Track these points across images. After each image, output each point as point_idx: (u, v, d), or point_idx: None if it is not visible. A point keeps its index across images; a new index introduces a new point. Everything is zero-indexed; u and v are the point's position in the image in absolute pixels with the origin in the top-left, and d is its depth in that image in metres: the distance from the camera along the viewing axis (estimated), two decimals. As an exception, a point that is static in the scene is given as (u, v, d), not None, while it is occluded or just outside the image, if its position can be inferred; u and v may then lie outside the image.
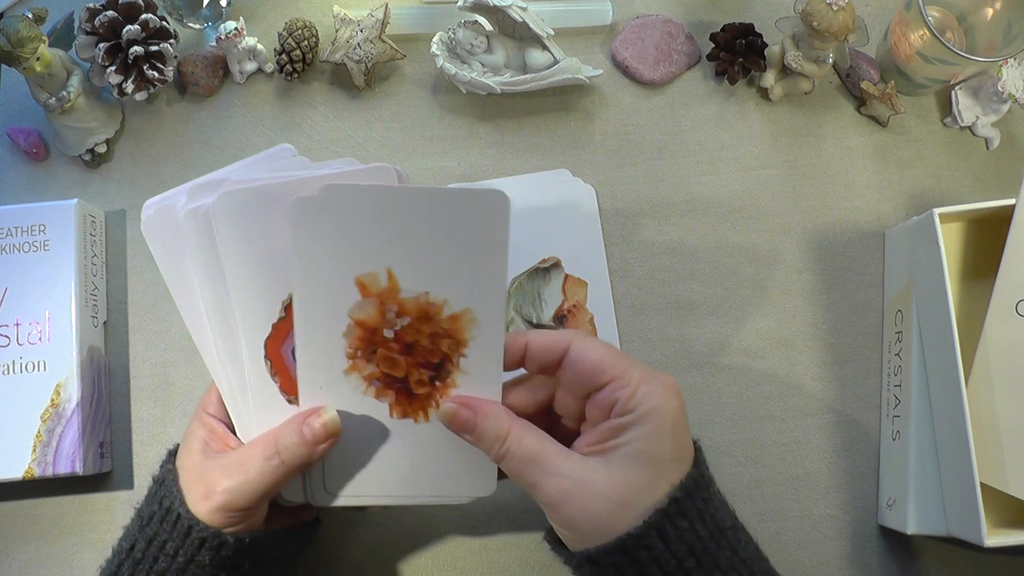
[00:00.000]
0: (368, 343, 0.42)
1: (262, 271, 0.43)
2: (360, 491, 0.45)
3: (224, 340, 0.44)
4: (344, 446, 0.44)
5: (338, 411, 0.43)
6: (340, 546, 0.55)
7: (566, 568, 0.55)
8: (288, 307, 0.43)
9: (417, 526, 0.56)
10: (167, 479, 0.44)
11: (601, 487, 0.38)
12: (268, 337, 0.44)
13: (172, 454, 0.46)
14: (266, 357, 0.44)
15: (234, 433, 0.45)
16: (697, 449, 0.41)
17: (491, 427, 0.40)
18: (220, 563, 0.42)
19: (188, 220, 0.43)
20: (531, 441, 0.40)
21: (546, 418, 0.44)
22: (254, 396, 0.44)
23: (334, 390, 0.43)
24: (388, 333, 0.42)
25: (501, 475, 0.44)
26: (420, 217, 0.40)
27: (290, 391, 0.44)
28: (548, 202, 0.59)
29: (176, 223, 0.44)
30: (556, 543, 0.42)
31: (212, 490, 0.41)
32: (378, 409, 0.43)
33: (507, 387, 0.44)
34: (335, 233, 0.41)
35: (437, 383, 0.43)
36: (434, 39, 0.60)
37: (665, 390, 0.39)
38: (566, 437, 0.41)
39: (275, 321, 0.44)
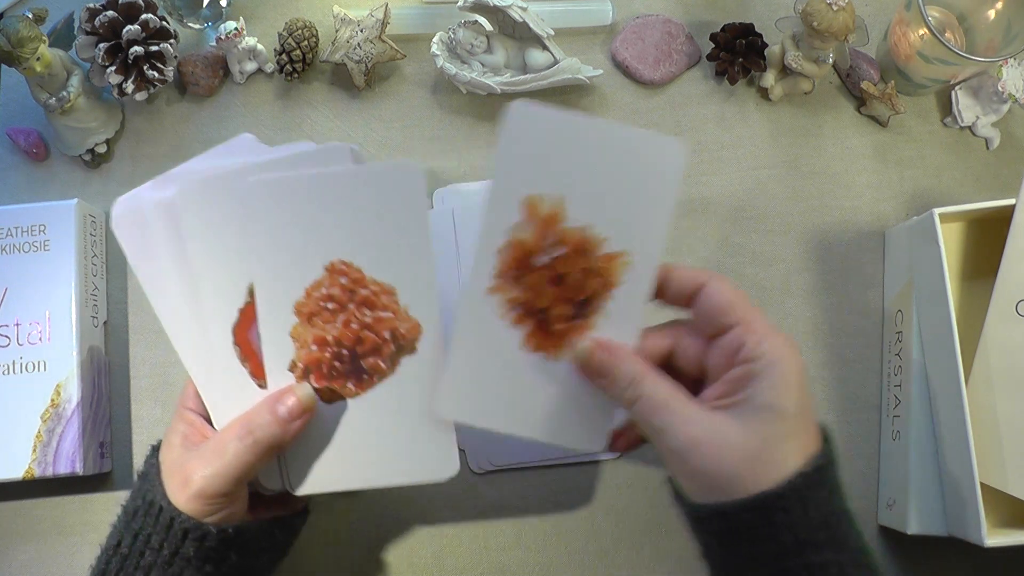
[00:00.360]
0: (519, 266, 0.41)
1: (226, 258, 0.43)
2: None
3: (196, 331, 0.45)
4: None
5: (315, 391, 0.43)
6: (339, 546, 0.55)
7: (566, 568, 0.55)
8: (253, 291, 0.44)
9: (417, 526, 0.56)
10: (150, 473, 0.45)
11: (734, 438, 0.37)
12: (236, 323, 0.44)
13: (156, 449, 0.46)
14: (235, 343, 0.44)
15: (212, 425, 0.46)
16: (824, 427, 0.40)
17: (626, 370, 0.40)
18: (205, 555, 0.43)
19: (154, 213, 0.44)
20: (665, 386, 0.39)
21: (671, 372, 0.43)
22: (225, 384, 0.45)
23: (472, 309, 0.42)
24: (542, 259, 0.41)
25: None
26: (599, 151, 0.40)
27: (260, 376, 0.44)
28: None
29: (144, 218, 0.44)
30: (678, 495, 0.41)
31: (189, 478, 0.42)
32: (511, 337, 0.42)
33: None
34: (511, 153, 0.40)
35: (577, 321, 0.42)
36: (434, 39, 0.60)
37: (789, 343, 0.39)
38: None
39: (241, 307, 0.44)
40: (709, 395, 0.40)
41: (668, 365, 0.43)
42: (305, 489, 0.45)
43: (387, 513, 0.56)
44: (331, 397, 0.44)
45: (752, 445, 0.37)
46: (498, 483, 0.56)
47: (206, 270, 0.44)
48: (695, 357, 0.42)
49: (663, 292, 0.42)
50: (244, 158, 0.46)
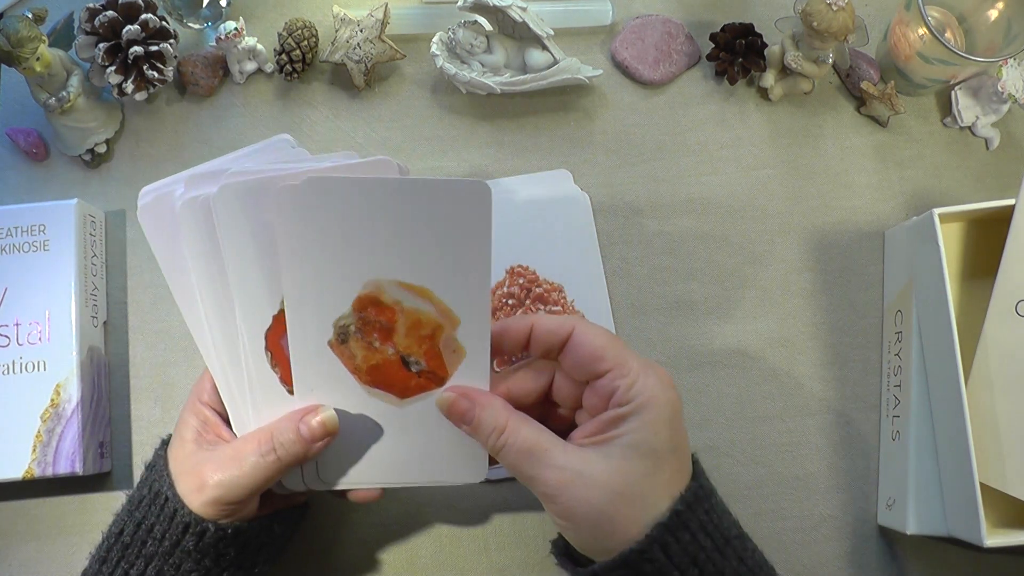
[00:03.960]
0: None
1: (263, 262, 0.43)
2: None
3: (222, 331, 0.44)
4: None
5: (336, 409, 0.43)
6: (338, 547, 0.55)
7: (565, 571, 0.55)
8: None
9: (417, 526, 0.56)
10: (157, 464, 0.45)
11: (599, 477, 0.38)
12: (268, 329, 0.44)
13: (165, 443, 0.47)
14: (267, 349, 0.44)
15: (227, 423, 0.46)
16: (695, 461, 0.42)
17: (488, 419, 0.41)
18: (204, 550, 0.43)
19: (186, 210, 0.43)
20: (528, 433, 0.40)
21: (543, 406, 0.45)
22: (253, 387, 0.44)
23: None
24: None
25: (493, 462, 0.45)
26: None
27: (291, 382, 0.44)
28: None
29: (173, 212, 0.44)
30: (562, 556, 0.43)
31: (205, 483, 0.42)
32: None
33: (508, 373, 0.44)
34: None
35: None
36: (434, 39, 0.60)
37: (662, 382, 0.40)
38: (561, 428, 0.42)
39: (275, 313, 0.44)
40: (579, 433, 0.41)
41: (547, 398, 0.45)
42: (324, 486, 0.45)
43: (387, 513, 0.56)
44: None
45: (617, 481, 0.38)
46: (498, 484, 0.56)
47: (241, 273, 0.43)
48: (571, 394, 0.43)
49: (529, 346, 0.43)
50: (283, 161, 0.46)
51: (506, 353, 0.45)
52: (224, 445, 0.44)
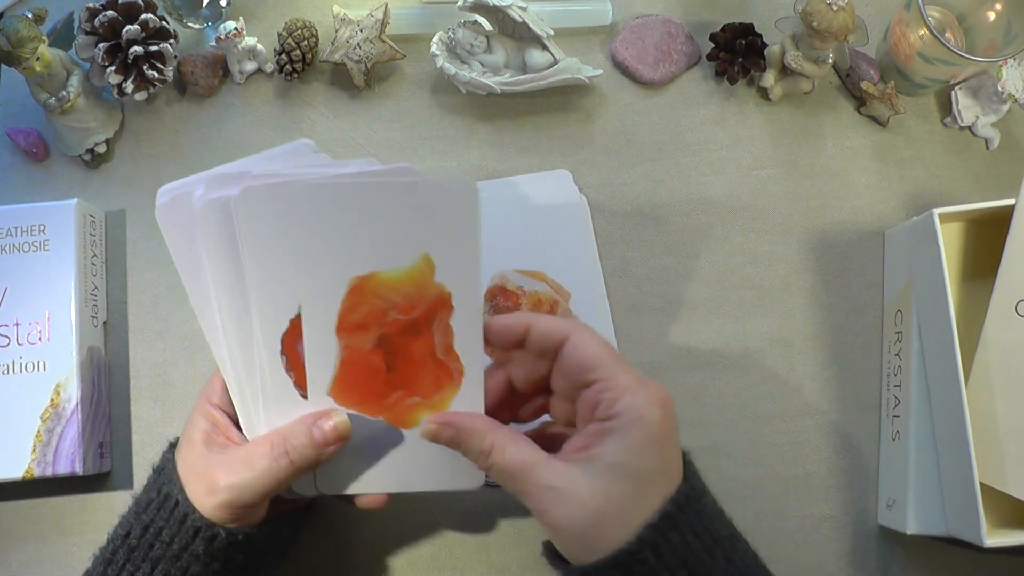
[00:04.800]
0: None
1: (283, 266, 0.43)
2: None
3: (237, 333, 0.44)
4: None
5: (349, 414, 0.43)
6: (339, 547, 0.55)
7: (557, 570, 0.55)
8: None
9: (417, 526, 0.56)
10: (166, 468, 0.45)
11: (581, 497, 0.38)
12: (286, 332, 0.44)
13: (173, 446, 0.46)
14: (282, 352, 0.44)
15: (237, 426, 0.45)
16: (687, 462, 0.41)
17: (474, 443, 0.41)
18: (213, 554, 0.43)
19: (206, 211, 0.43)
20: (513, 453, 0.40)
21: (513, 396, 0.45)
22: (267, 391, 0.44)
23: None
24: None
25: None
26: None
27: (305, 386, 0.44)
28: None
29: (191, 212, 0.44)
30: (553, 556, 0.43)
31: (216, 486, 0.42)
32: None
33: (507, 361, 0.45)
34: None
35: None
36: (434, 39, 0.60)
37: (652, 401, 0.39)
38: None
39: (292, 317, 0.44)
40: (571, 445, 0.41)
41: (511, 389, 0.45)
42: (335, 490, 0.45)
43: (387, 513, 0.56)
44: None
45: (598, 503, 0.38)
46: (499, 487, 0.56)
47: (260, 276, 0.43)
48: (528, 376, 0.44)
49: (526, 345, 0.43)
50: (305, 167, 0.45)
51: (500, 348, 0.45)
52: (235, 448, 0.43)
